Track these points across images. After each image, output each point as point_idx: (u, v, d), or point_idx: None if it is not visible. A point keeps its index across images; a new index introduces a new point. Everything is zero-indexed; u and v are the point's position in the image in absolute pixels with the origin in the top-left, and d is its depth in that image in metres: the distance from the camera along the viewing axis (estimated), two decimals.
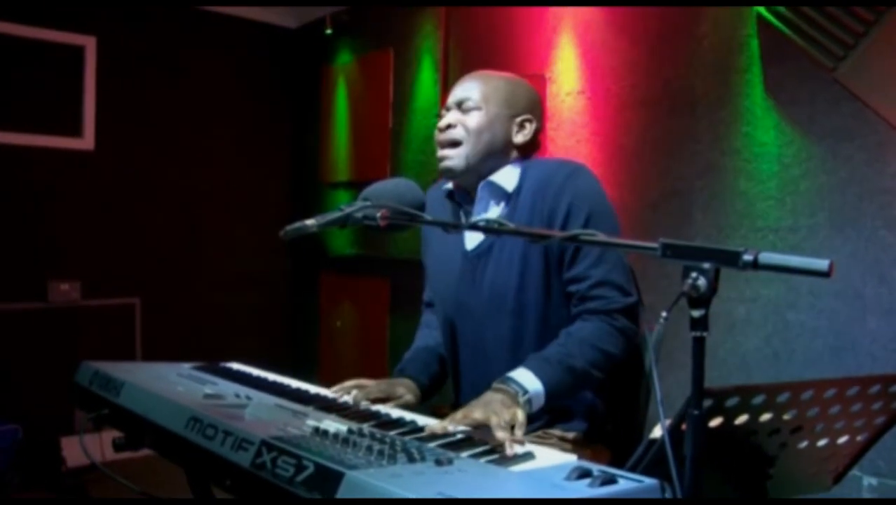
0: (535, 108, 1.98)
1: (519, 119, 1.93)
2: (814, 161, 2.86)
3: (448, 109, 1.96)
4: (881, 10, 2.64)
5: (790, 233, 2.92)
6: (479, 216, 1.92)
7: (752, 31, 3.02)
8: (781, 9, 2.86)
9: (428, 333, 2.17)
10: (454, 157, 1.90)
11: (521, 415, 1.50)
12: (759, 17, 2.96)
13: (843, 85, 2.75)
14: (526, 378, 1.65)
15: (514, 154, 1.94)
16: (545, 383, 1.66)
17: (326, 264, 5.44)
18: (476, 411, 1.51)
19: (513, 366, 1.79)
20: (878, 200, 2.71)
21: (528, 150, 1.97)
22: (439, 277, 2.04)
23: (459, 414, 1.52)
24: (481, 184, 1.92)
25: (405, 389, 1.91)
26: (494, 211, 1.92)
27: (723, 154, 3.12)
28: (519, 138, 1.93)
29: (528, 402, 1.62)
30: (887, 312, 2.68)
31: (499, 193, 1.92)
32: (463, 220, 1.97)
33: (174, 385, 1.78)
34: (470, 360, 1.96)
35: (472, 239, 1.94)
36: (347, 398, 1.80)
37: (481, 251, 1.91)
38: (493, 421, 1.44)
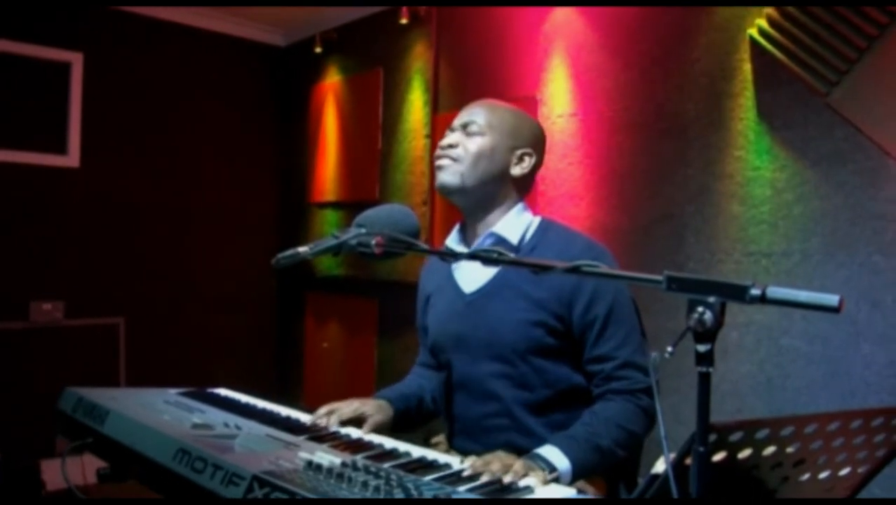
0: (538, 144, 1.98)
1: (519, 151, 1.93)
2: (807, 186, 2.87)
3: (452, 130, 1.96)
4: (874, 37, 2.66)
5: (783, 258, 2.92)
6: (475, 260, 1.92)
7: (745, 56, 3.03)
8: (775, 34, 2.87)
9: (415, 379, 2.18)
10: (450, 172, 1.90)
11: (539, 479, 1.49)
12: (752, 41, 2.97)
13: (835, 110, 2.76)
14: (554, 455, 1.64)
15: (511, 187, 1.94)
16: (573, 461, 1.65)
17: (313, 285, 5.41)
18: (493, 465, 1.49)
19: (503, 410, 1.80)
20: (872, 226, 2.71)
21: (525, 186, 1.97)
22: (437, 320, 2.02)
23: (480, 462, 1.50)
24: (485, 233, 1.92)
25: (376, 408, 1.91)
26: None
27: (715, 178, 3.12)
28: (516, 170, 1.93)
29: (556, 480, 1.60)
30: (881, 337, 2.68)
31: (504, 247, 1.89)
32: (459, 281, 1.96)
33: (161, 414, 1.74)
34: (463, 402, 1.95)
35: (471, 282, 1.93)
36: (323, 422, 1.82)
37: (481, 294, 1.90)
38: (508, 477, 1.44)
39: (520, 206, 1.94)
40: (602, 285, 1.80)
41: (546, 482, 1.49)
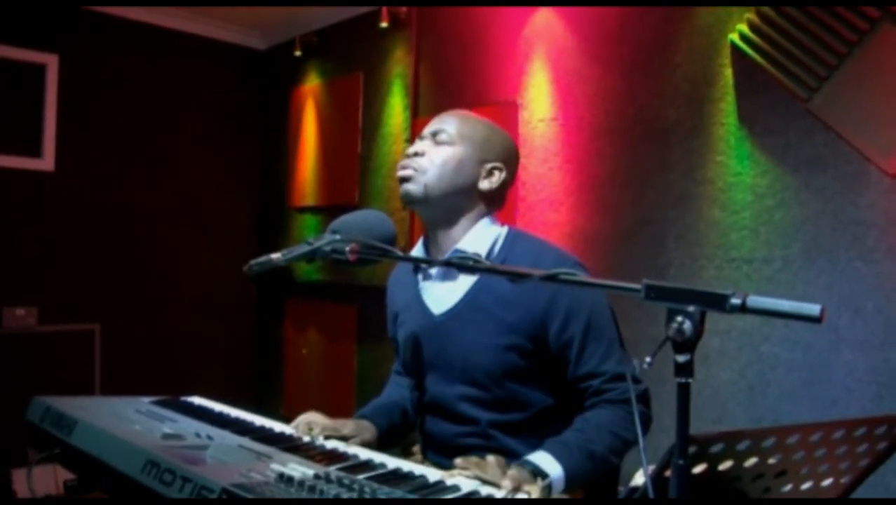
0: (510, 159, 1.92)
1: (489, 165, 1.88)
2: (788, 192, 2.87)
3: (421, 139, 1.92)
4: (854, 42, 2.67)
5: (764, 264, 2.91)
6: (443, 280, 1.88)
7: (726, 61, 3.03)
8: (756, 39, 2.87)
9: (394, 389, 2.13)
10: (414, 182, 1.85)
11: (534, 492, 1.46)
12: (734, 47, 2.97)
13: (816, 116, 2.76)
14: (546, 462, 1.60)
15: (479, 202, 1.89)
16: (566, 468, 1.61)
17: (292, 290, 5.37)
18: (487, 471, 1.47)
19: (478, 432, 1.79)
20: (852, 231, 2.71)
21: (494, 201, 1.92)
22: (406, 341, 1.97)
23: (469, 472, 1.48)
24: (450, 250, 1.86)
25: (361, 427, 1.86)
26: (465, 281, 1.86)
27: (697, 183, 3.12)
28: (485, 184, 1.87)
29: (549, 487, 1.56)
30: (862, 343, 2.68)
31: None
32: (427, 301, 1.92)
33: (131, 424, 1.70)
34: (436, 422, 1.92)
35: (439, 303, 1.89)
36: (301, 435, 1.78)
37: (451, 316, 1.85)
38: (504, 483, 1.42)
39: (486, 220, 1.88)
40: (576, 302, 1.76)
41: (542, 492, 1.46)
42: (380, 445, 1.90)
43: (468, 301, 1.83)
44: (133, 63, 5.06)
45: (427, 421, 1.93)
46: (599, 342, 1.77)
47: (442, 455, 1.87)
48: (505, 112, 3.75)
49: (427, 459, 1.94)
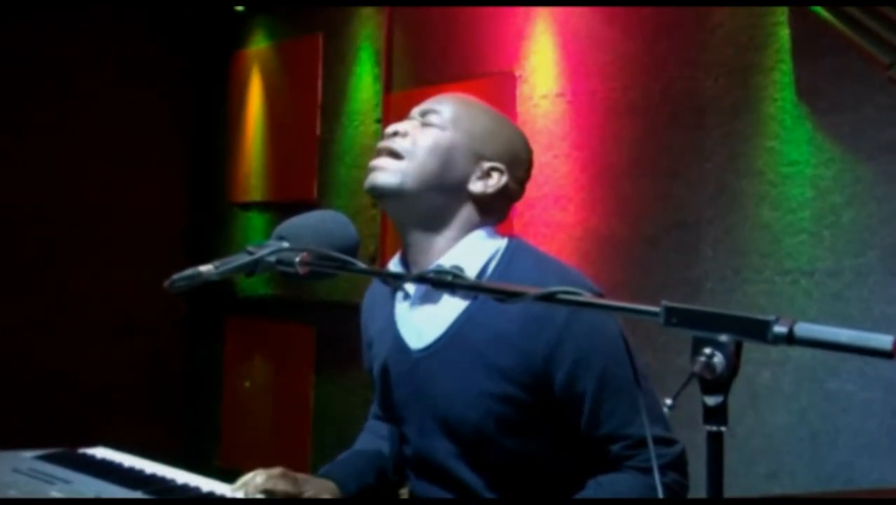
0: (514, 163, 1.89)
1: (486, 165, 1.84)
2: (861, 185, 2.86)
3: (408, 118, 1.91)
4: None
5: (830, 277, 2.90)
6: (423, 304, 1.86)
7: (781, 19, 3.03)
8: None
9: (370, 439, 2.10)
10: (388, 170, 1.82)
11: None
12: None
13: None
14: None
15: (470, 207, 1.86)
16: None
17: (234, 307, 5.39)
18: None
19: (468, 493, 1.77)
20: None
21: (489, 210, 1.88)
22: (380, 380, 1.96)
23: None
24: (432, 266, 1.84)
25: (321, 488, 1.83)
26: (451, 309, 1.82)
27: (740, 175, 3.12)
28: (477, 186, 1.84)
29: None
30: None
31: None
32: (403, 332, 1.89)
33: (5, 488, 1.67)
34: (423, 486, 1.90)
35: (418, 335, 1.86)
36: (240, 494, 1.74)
37: (431, 353, 1.82)
38: None
39: (481, 231, 1.85)
40: (586, 348, 1.73)
41: None
42: None
43: (453, 335, 1.81)
44: (19, 16, 5.01)
45: (413, 481, 1.93)
46: (619, 398, 1.74)
47: None
48: (500, 86, 3.76)
49: None
